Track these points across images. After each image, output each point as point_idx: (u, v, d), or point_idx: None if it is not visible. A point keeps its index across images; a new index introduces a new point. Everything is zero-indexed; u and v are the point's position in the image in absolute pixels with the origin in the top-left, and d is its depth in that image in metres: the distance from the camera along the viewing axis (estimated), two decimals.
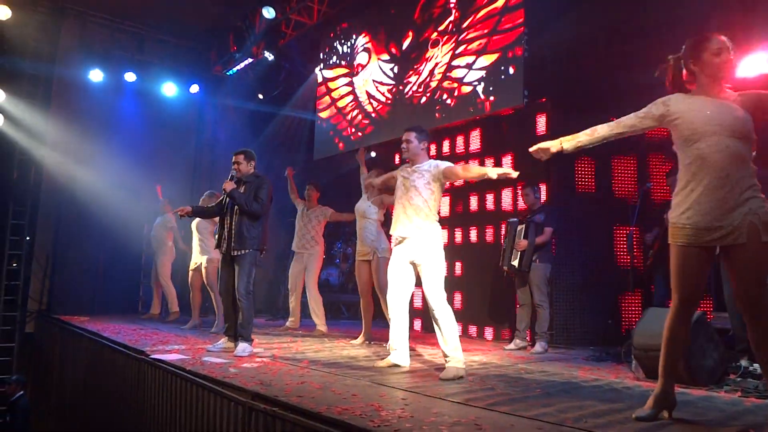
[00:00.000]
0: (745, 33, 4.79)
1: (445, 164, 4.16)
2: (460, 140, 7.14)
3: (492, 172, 3.85)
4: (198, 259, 6.90)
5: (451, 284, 6.97)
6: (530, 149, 3.02)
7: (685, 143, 2.70)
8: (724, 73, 2.75)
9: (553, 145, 3.04)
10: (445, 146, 7.31)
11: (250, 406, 3.18)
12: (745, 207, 2.56)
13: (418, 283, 4.15)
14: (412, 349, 5.10)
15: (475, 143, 6.93)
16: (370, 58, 8.32)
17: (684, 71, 2.82)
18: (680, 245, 2.66)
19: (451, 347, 3.87)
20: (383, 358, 4.33)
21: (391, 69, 7.87)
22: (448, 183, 4.47)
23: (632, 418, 2.70)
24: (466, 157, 6.97)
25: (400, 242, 4.15)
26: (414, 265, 4.10)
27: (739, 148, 2.60)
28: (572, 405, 3.03)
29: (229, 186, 4.87)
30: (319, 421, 2.68)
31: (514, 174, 3.78)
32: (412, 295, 4.34)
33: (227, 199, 4.95)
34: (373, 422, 2.55)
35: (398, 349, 4.19)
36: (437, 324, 3.94)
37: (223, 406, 3.45)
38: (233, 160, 5.04)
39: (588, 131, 2.97)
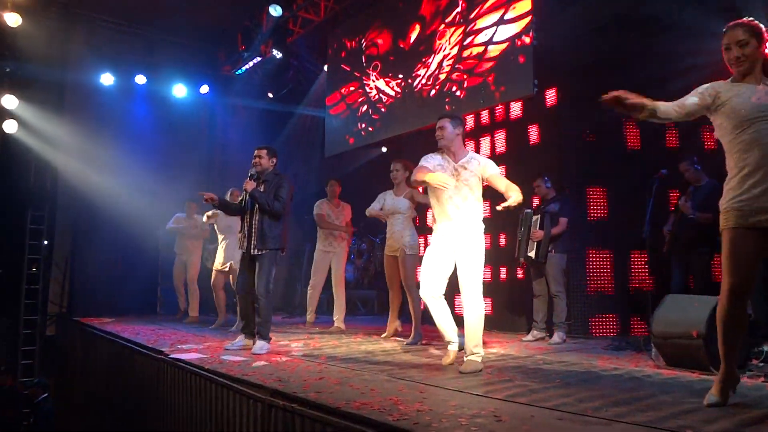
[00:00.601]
0: None
1: (492, 169, 3.98)
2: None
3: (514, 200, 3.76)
4: (224, 260, 6.90)
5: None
6: (606, 97, 2.78)
7: (735, 130, 2.68)
8: (735, 67, 2.73)
9: (637, 98, 2.77)
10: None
11: (269, 403, 3.19)
12: None
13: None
14: (427, 344, 5.12)
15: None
16: (378, 52, 8.29)
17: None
18: (732, 227, 2.64)
19: (475, 342, 3.83)
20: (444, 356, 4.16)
21: (400, 62, 7.84)
22: None
23: (704, 406, 2.69)
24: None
25: (444, 235, 4.01)
26: (455, 258, 3.96)
27: None
28: (592, 394, 3.01)
29: (250, 186, 4.83)
30: (338, 416, 2.69)
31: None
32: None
33: (248, 198, 4.92)
34: (392, 416, 2.55)
35: (453, 339, 4.11)
36: (469, 317, 3.86)
37: (242, 403, 3.47)
38: (255, 154, 5.00)
39: (669, 106, 2.80)
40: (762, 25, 2.74)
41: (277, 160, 5.06)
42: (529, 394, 3.04)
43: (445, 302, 4.07)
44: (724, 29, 2.76)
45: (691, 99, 2.80)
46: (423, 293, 4.06)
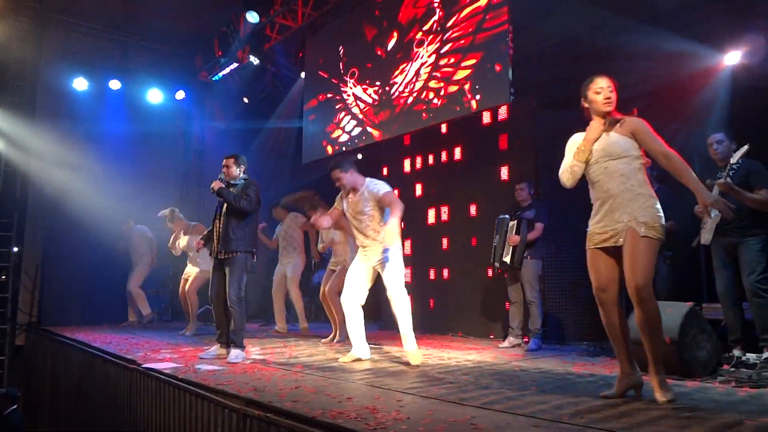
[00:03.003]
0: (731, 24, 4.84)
1: (383, 191, 4.56)
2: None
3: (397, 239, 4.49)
4: (190, 270, 7.14)
5: (442, 286, 7.03)
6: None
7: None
8: (606, 107, 3.16)
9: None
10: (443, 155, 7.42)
11: (244, 412, 3.15)
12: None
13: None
14: (399, 351, 5.12)
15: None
16: (355, 59, 8.30)
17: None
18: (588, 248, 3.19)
19: (411, 339, 4.48)
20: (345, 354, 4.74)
21: (378, 70, 7.85)
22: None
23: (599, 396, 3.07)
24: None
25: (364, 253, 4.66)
26: (374, 268, 4.62)
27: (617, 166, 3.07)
28: (568, 401, 3.03)
29: (217, 185, 4.83)
30: (315, 426, 2.66)
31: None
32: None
33: (217, 203, 4.94)
34: (368, 425, 2.53)
35: (357, 343, 4.67)
36: (397, 313, 4.47)
37: (217, 413, 3.42)
38: (223, 163, 5.00)
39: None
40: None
41: (245, 167, 5.04)
42: (505, 401, 3.05)
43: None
44: (593, 78, 3.19)
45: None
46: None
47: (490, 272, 6.40)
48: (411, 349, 4.49)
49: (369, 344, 5.64)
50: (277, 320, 7.27)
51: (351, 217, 4.69)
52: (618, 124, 3.15)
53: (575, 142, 3.25)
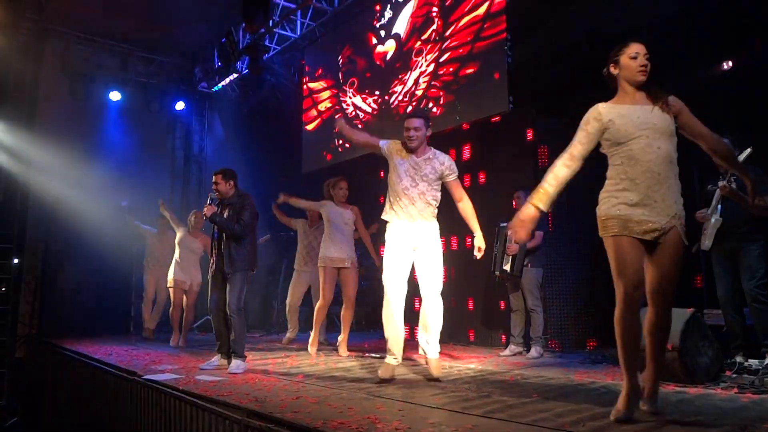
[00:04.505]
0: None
1: (453, 175, 4.18)
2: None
3: (477, 232, 4.17)
4: (181, 276, 6.95)
5: (446, 290, 6.99)
6: (508, 229, 2.88)
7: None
8: (641, 76, 2.78)
9: (529, 213, 2.82)
10: None
11: (245, 423, 3.14)
12: None
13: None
14: (406, 359, 5.10)
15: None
16: (354, 69, 8.33)
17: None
18: (612, 236, 2.73)
19: (437, 341, 4.10)
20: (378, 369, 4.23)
21: (377, 79, 7.88)
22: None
23: (612, 421, 2.67)
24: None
25: (402, 232, 4.12)
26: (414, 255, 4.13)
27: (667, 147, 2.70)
28: (569, 409, 3.02)
29: (209, 211, 4.82)
30: None
31: (478, 254, 4.13)
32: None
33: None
34: None
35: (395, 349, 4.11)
36: (431, 318, 4.06)
37: (218, 424, 3.40)
38: (213, 180, 5.02)
39: (550, 178, 2.82)
40: None
41: (235, 181, 5.02)
42: (506, 409, 3.04)
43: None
44: (628, 42, 2.81)
45: (576, 142, 2.84)
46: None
47: (490, 280, 6.39)
48: (435, 356, 4.10)
49: (367, 353, 5.66)
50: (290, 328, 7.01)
51: (402, 179, 4.09)
52: (660, 100, 2.74)
53: (597, 114, 2.80)
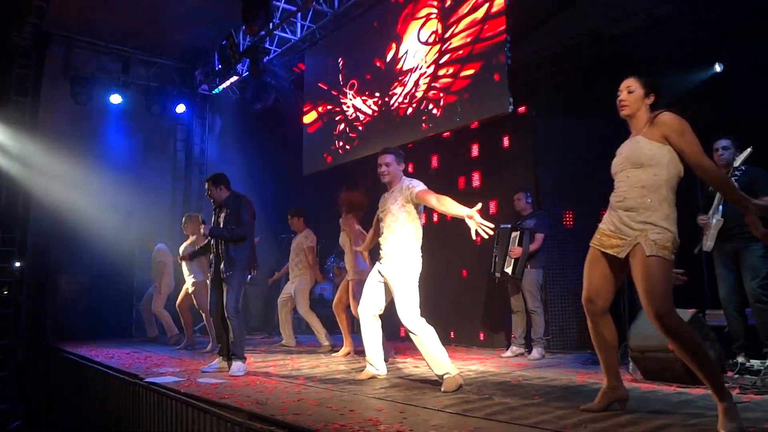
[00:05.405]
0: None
1: (419, 188, 4.03)
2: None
3: (464, 211, 3.65)
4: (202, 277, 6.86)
5: (443, 295, 6.99)
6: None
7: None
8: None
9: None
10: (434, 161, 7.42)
11: (247, 426, 3.13)
12: None
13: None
14: (402, 362, 5.10)
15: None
16: (354, 71, 8.33)
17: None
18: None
19: (440, 365, 3.77)
20: (361, 371, 4.43)
21: (377, 81, 7.88)
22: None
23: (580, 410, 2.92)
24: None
25: (379, 261, 4.22)
26: (386, 283, 4.16)
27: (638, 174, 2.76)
28: (571, 411, 3.01)
29: (206, 229, 4.91)
30: None
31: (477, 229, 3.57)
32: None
33: (213, 220, 4.99)
34: None
35: (373, 359, 4.29)
36: (419, 347, 3.90)
37: (220, 427, 3.40)
38: (206, 187, 5.07)
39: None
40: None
41: (226, 184, 5.04)
42: (508, 411, 3.03)
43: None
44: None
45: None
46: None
47: (491, 281, 6.38)
48: (441, 373, 3.81)
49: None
50: (284, 335, 7.07)
51: (380, 218, 4.27)
52: (646, 126, 2.79)
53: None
